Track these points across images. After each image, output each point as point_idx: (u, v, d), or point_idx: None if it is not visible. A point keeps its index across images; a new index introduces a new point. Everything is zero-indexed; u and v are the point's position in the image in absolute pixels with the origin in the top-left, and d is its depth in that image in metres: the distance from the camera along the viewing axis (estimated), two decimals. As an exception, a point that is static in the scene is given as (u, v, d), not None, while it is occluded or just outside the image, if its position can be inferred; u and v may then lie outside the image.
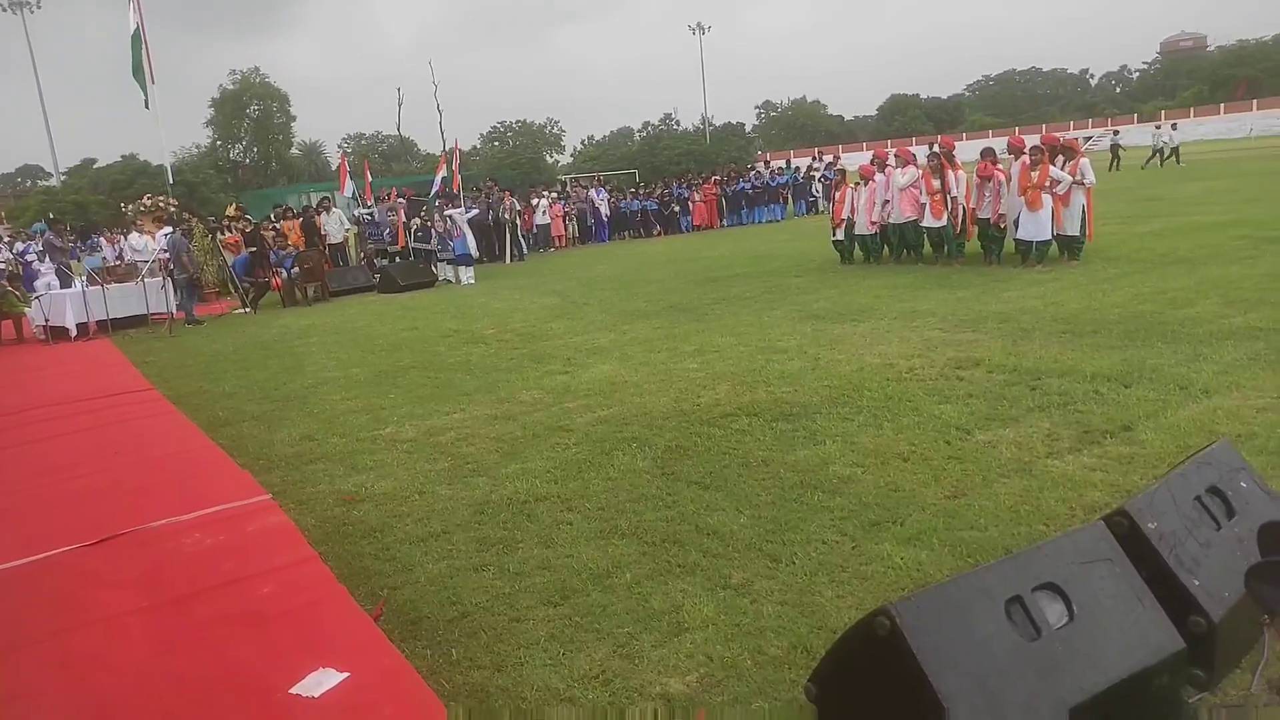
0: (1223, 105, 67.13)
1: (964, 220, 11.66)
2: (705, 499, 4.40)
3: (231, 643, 3.37)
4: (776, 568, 3.59)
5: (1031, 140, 11.56)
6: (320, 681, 2.94)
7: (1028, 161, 10.83)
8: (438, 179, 20.90)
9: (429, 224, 18.06)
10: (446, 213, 17.34)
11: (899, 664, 2.09)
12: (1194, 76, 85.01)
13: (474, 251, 17.93)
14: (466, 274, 16.85)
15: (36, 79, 35.89)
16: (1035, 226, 10.79)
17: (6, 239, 16.25)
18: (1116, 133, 37.26)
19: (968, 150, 14.94)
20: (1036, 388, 5.72)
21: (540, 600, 3.52)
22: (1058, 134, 12.25)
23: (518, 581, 3.71)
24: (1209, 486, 2.77)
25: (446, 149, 22.00)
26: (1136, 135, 70.51)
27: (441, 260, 17.54)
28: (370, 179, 23.83)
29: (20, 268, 15.14)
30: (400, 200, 20.44)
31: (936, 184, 11.75)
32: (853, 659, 2.27)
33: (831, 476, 4.52)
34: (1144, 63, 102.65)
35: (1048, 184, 10.63)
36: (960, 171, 11.68)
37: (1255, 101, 67.97)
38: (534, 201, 23.49)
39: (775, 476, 4.60)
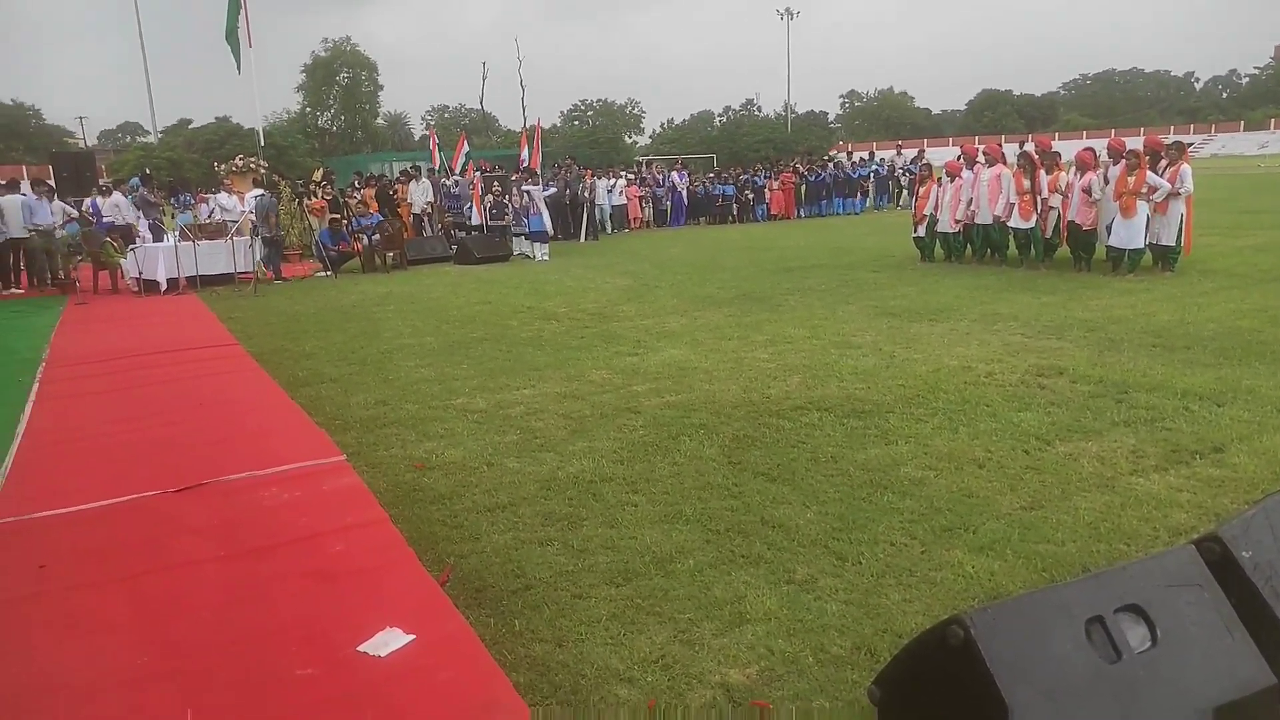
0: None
1: (1056, 224, 11.32)
2: (772, 491, 4.36)
3: (303, 597, 3.47)
4: (842, 566, 3.54)
5: (1132, 144, 11.13)
6: (387, 641, 3.00)
7: (1125, 166, 10.43)
8: (524, 154, 21.11)
9: (504, 199, 18.23)
10: (525, 188, 17.47)
11: (970, 675, 2.03)
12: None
13: (550, 229, 18.07)
14: (541, 250, 17.00)
15: (140, 39, 37.00)
16: (1128, 233, 10.42)
17: (117, 192, 16.90)
18: None
19: (1061, 151, 14.42)
20: (1123, 401, 5.52)
21: (603, 579, 3.53)
22: (1161, 138, 11.72)
23: (581, 559, 3.73)
24: (1311, 518, 2.63)
25: (528, 126, 22.18)
26: (1241, 144, 67.18)
27: (517, 235, 17.71)
28: (466, 149, 23.92)
29: (95, 220, 15.59)
30: (478, 174, 20.66)
31: (1026, 184, 11.41)
32: (921, 666, 2.21)
33: (902, 478, 4.44)
34: (1255, 67, 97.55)
35: (1144, 190, 10.22)
36: (1061, 173, 11.31)
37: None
38: (612, 182, 23.51)
39: (844, 474, 4.54)
